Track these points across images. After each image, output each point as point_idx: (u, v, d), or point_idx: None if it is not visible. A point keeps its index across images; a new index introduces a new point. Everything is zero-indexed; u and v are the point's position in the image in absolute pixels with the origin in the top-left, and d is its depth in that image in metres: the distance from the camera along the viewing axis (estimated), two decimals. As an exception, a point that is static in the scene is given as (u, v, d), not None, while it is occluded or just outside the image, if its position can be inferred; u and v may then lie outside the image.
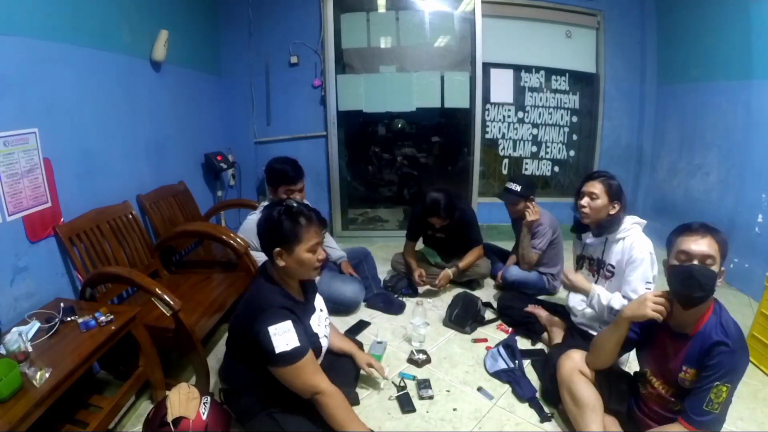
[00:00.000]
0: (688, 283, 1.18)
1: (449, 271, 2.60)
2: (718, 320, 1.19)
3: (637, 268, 1.70)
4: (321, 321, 1.54)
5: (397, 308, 2.48)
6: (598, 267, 1.89)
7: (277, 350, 1.25)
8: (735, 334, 1.17)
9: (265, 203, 2.31)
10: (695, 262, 1.19)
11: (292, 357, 1.27)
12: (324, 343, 1.49)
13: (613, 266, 1.80)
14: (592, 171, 1.94)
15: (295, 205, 1.39)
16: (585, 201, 1.83)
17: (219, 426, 1.41)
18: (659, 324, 1.31)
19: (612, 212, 1.79)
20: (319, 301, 1.60)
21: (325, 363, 1.54)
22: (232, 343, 1.47)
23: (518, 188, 2.42)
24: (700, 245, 1.19)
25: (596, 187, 1.81)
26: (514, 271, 2.55)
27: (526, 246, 2.44)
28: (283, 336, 1.26)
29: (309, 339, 1.37)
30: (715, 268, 1.18)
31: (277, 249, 1.36)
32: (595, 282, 1.89)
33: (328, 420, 1.34)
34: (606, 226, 1.81)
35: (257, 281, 1.45)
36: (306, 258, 1.37)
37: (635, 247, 1.72)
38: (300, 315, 1.40)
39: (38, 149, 1.68)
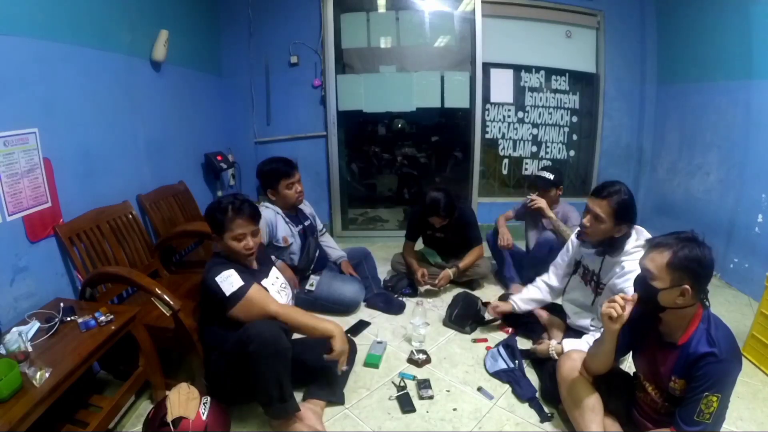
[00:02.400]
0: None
1: (449, 271, 2.59)
2: (707, 330, 1.18)
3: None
4: (276, 285, 1.71)
5: (397, 308, 2.48)
6: (591, 279, 1.81)
7: (227, 293, 1.46)
8: (724, 343, 1.15)
9: (265, 203, 2.32)
10: (640, 273, 1.25)
11: (240, 294, 1.47)
12: (278, 298, 1.64)
13: (605, 285, 1.73)
14: (603, 183, 1.70)
15: (225, 199, 1.60)
16: (587, 220, 1.68)
17: (219, 426, 1.42)
18: (650, 330, 1.30)
19: (617, 235, 1.65)
20: (274, 272, 1.79)
21: (299, 348, 1.65)
22: (203, 308, 1.64)
23: (551, 176, 2.55)
24: (644, 258, 1.24)
25: (603, 207, 1.62)
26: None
27: (564, 229, 2.42)
28: (227, 281, 1.48)
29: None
30: (657, 283, 1.18)
31: (213, 235, 1.60)
32: (592, 302, 1.82)
33: (296, 330, 1.56)
34: (613, 248, 1.68)
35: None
36: (232, 246, 1.57)
37: (630, 279, 1.53)
38: (248, 275, 1.58)
39: (38, 149, 1.68)
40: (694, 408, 1.13)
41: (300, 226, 2.40)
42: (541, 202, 2.51)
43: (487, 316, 2.37)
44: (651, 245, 1.23)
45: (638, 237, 1.66)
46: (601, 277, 1.75)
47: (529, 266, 2.58)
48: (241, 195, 1.66)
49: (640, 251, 1.61)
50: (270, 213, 2.27)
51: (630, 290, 1.52)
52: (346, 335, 1.93)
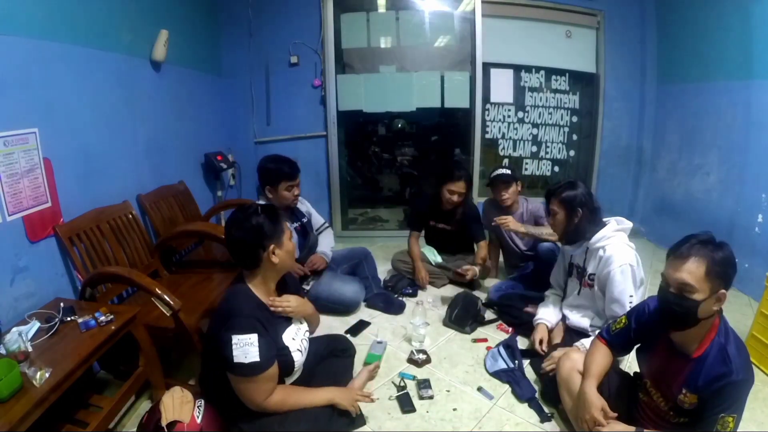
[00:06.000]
0: (664, 312, 1.18)
1: (476, 268, 2.57)
2: (722, 345, 1.13)
3: (616, 285, 1.67)
4: (298, 334, 1.48)
5: (397, 308, 2.48)
6: (581, 275, 1.87)
7: (235, 360, 1.24)
8: (739, 360, 1.11)
9: (261, 203, 2.32)
10: (672, 290, 1.14)
11: (248, 370, 1.25)
12: (297, 357, 1.43)
13: (593, 275, 1.79)
14: (554, 185, 1.92)
15: (263, 204, 1.46)
16: (550, 219, 1.91)
17: (214, 429, 1.40)
18: (662, 334, 1.27)
19: (576, 221, 1.80)
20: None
21: (323, 368, 1.62)
22: (207, 349, 1.45)
23: (509, 171, 2.54)
24: (679, 272, 1.12)
25: (554, 203, 1.85)
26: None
27: (545, 233, 2.32)
28: (243, 348, 1.24)
29: (277, 352, 1.35)
30: (698, 295, 1.10)
31: (272, 246, 1.37)
32: (578, 292, 1.90)
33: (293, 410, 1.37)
34: (577, 234, 1.81)
35: (234, 288, 1.42)
36: (292, 246, 1.46)
37: (613, 260, 1.69)
38: (271, 326, 1.36)
39: (38, 149, 1.68)
40: (710, 430, 1.10)
41: (297, 223, 2.42)
42: (511, 223, 2.35)
43: (487, 316, 2.37)
44: (679, 256, 1.14)
45: (618, 224, 1.78)
46: (586, 267, 1.84)
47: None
48: (260, 202, 1.66)
49: (618, 235, 1.74)
50: None
51: (617, 275, 1.66)
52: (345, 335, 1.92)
